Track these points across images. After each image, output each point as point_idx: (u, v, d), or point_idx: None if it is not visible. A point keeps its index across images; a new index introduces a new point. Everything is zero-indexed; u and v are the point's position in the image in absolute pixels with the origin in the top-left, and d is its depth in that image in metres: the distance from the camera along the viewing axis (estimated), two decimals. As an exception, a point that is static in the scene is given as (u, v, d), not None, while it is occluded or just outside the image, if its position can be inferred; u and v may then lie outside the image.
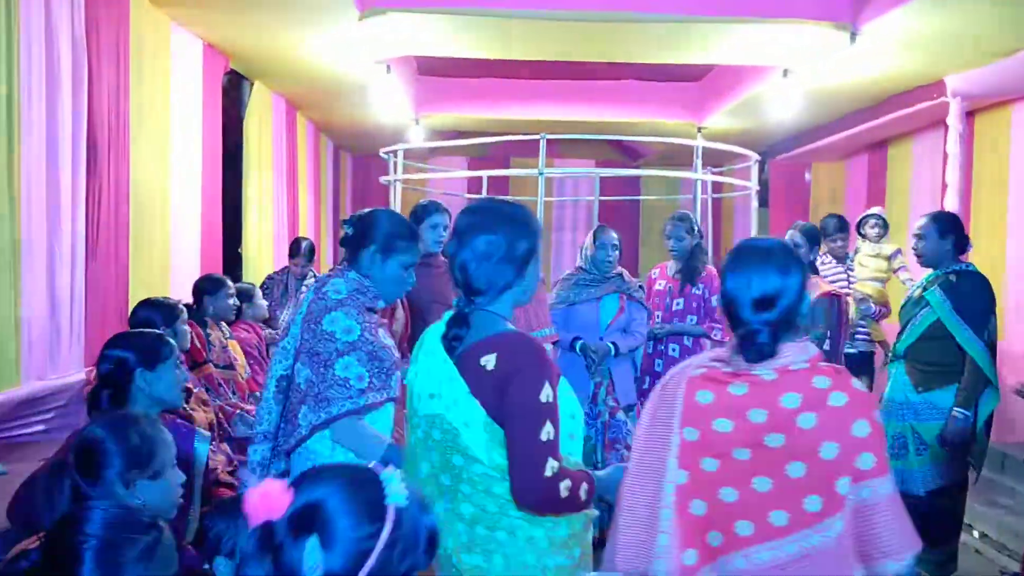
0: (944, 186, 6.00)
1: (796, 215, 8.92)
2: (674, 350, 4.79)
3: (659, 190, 9.88)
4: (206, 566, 2.12)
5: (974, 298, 3.67)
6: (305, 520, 1.19)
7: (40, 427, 3.55)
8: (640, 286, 4.65)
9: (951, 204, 5.75)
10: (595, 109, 8.01)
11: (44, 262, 3.56)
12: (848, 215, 8.89)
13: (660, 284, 4.79)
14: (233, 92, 6.11)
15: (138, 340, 2.53)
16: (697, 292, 4.77)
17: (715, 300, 4.87)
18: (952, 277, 3.72)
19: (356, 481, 1.24)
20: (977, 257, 4.36)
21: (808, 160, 9.38)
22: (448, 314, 1.91)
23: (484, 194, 7.15)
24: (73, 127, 3.76)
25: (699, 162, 6.06)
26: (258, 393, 4.48)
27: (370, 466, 1.29)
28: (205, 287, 4.39)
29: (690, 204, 5.83)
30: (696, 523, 1.75)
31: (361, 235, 2.49)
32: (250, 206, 6.53)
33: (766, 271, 1.78)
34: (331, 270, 2.57)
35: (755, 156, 6.06)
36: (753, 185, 6.17)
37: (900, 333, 3.90)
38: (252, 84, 6.42)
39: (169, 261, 4.95)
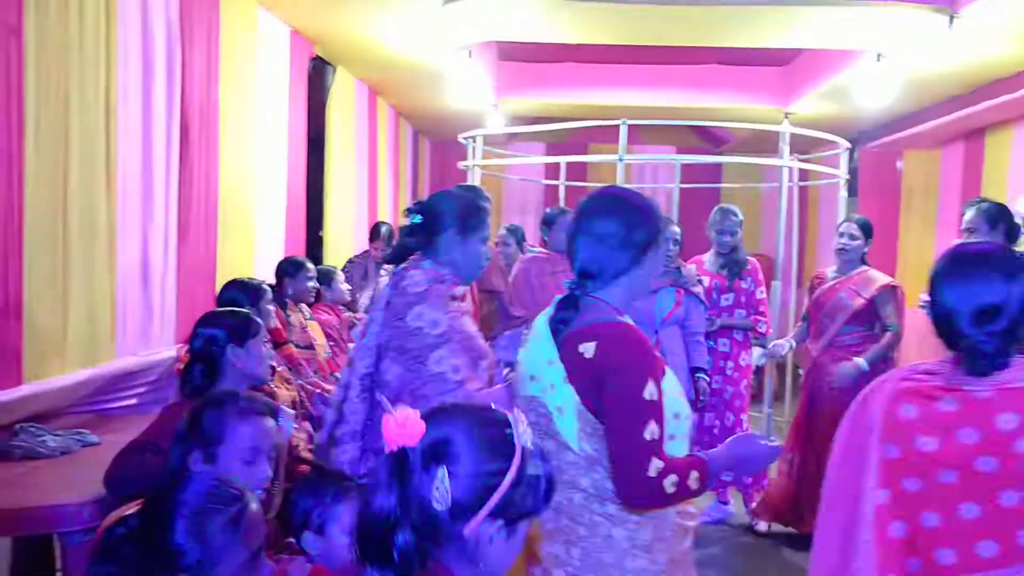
0: (1046, 176, 5.71)
1: (886, 205, 8.63)
2: (725, 344, 4.74)
3: (741, 178, 9.67)
4: (290, 540, 2.19)
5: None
6: (436, 451, 1.22)
7: (132, 400, 3.70)
8: (699, 279, 4.55)
9: (1054, 195, 5.46)
10: (677, 94, 7.88)
11: (138, 244, 3.70)
12: (941, 205, 8.57)
13: (704, 280, 4.67)
14: (317, 78, 6.22)
15: (229, 318, 2.63)
16: (745, 286, 4.72)
17: (759, 293, 4.79)
18: None
19: (485, 420, 1.28)
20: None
21: (901, 148, 9.02)
22: (559, 297, 1.91)
23: (562, 180, 7.14)
24: (167, 114, 3.88)
25: (786, 148, 5.90)
26: (337, 374, 4.59)
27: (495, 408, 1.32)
28: (286, 269, 4.51)
29: (774, 192, 5.68)
30: (896, 546, 1.64)
31: (434, 221, 2.46)
32: (332, 190, 6.65)
33: (990, 279, 1.64)
34: (406, 263, 2.52)
35: (844, 143, 5.87)
36: (842, 173, 5.98)
37: None
38: (335, 70, 6.52)
39: (254, 244, 5.09)
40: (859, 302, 4.33)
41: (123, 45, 3.49)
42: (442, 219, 2.45)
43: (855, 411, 1.74)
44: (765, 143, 7.95)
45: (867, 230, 4.48)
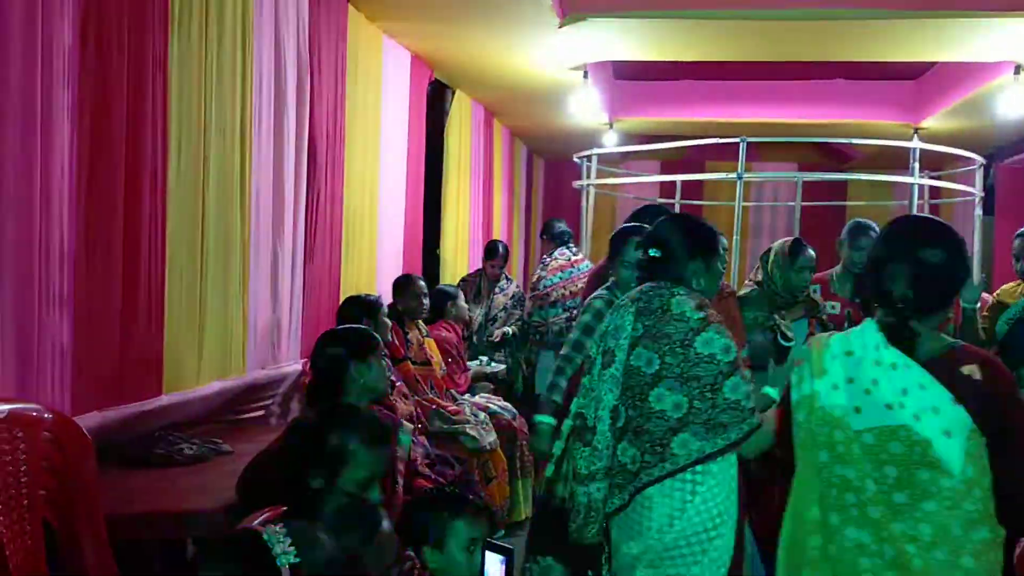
0: None
1: (1026, 224, 8.10)
2: None
3: (869, 195, 9.29)
4: (409, 553, 2.23)
5: None
6: None
7: (260, 412, 3.86)
8: (833, 305, 4.06)
9: None
10: (799, 109, 7.65)
11: (268, 263, 3.87)
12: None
13: (833, 307, 4.08)
14: (436, 100, 6.38)
15: (349, 335, 2.72)
16: None
17: None
18: None
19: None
20: None
21: (1042, 163, 8.48)
22: (869, 323, 1.90)
23: (678, 198, 7.05)
24: (296, 140, 4.06)
25: (916, 165, 5.64)
26: (454, 391, 4.67)
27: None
28: (397, 286, 4.64)
29: (903, 211, 5.43)
30: None
31: (678, 253, 2.40)
32: (448, 209, 6.78)
33: None
34: (648, 287, 2.39)
35: (979, 159, 5.57)
36: (977, 191, 5.67)
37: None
38: (453, 92, 6.67)
39: (376, 262, 5.25)
40: None
41: (257, 73, 3.68)
42: (688, 252, 2.41)
43: None
44: (895, 159, 7.62)
45: None
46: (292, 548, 1.50)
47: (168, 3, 3.02)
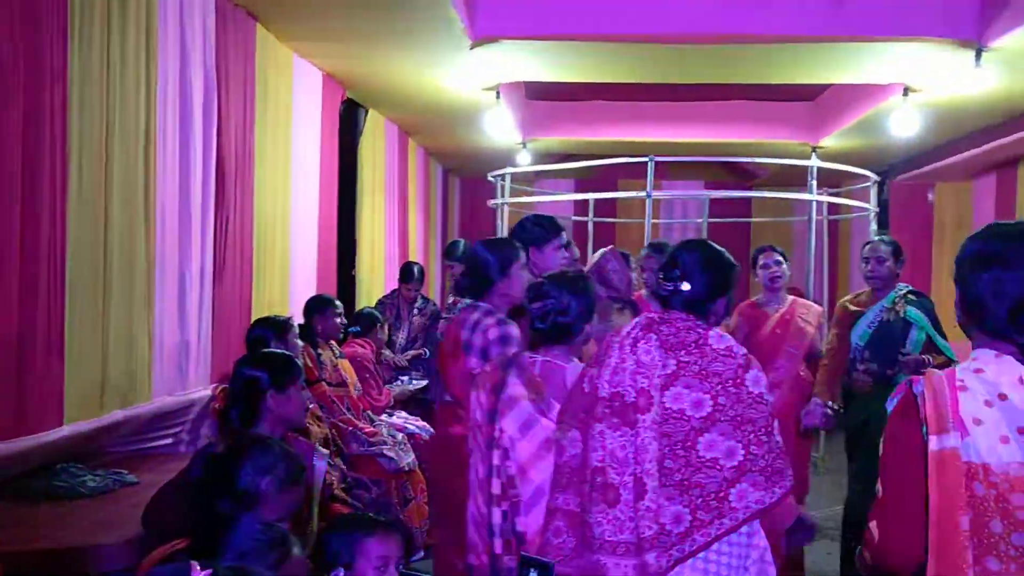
0: (1082, 207, 5.64)
1: (918, 238, 8.54)
2: None
3: (772, 212, 9.64)
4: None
5: (934, 313, 4.08)
6: None
7: (168, 440, 3.74)
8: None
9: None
10: (704, 130, 7.91)
11: (175, 286, 3.77)
12: (975, 237, 8.45)
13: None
14: (349, 120, 6.34)
15: (270, 360, 2.59)
16: None
17: None
18: (911, 296, 4.10)
19: None
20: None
21: (932, 180, 8.96)
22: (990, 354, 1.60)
23: (591, 216, 7.17)
24: (203, 158, 3.97)
25: (814, 183, 5.90)
26: (370, 412, 4.62)
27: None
28: (314, 307, 4.57)
29: (804, 226, 5.67)
30: None
31: (700, 283, 2.19)
32: (363, 230, 6.73)
33: None
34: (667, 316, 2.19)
35: (874, 176, 5.86)
36: (872, 207, 5.96)
37: (874, 355, 4.03)
38: (367, 112, 6.64)
39: (288, 283, 5.16)
40: None
41: (162, 90, 3.59)
42: (706, 283, 2.19)
43: None
44: (796, 177, 7.93)
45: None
46: None
47: (67, 12, 2.91)
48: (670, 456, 1.95)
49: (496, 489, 2.31)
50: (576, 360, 2.45)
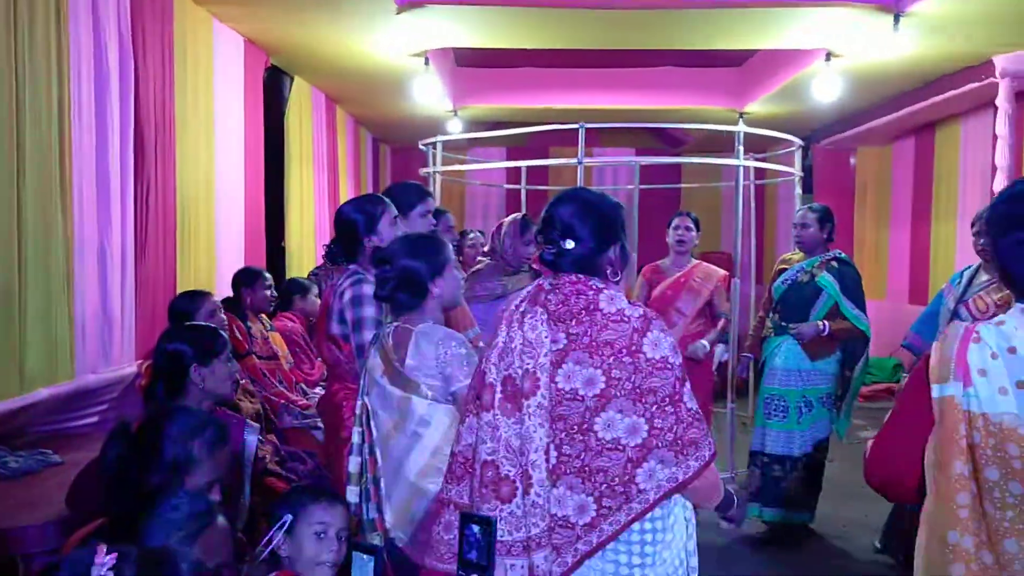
0: (994, 168, 5.87)
1: (841, 200, 8.79)
2: None
3: (700, 178, 9.79)
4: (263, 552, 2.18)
5: (856, 281, 4.31)
6: None
7: (94, 419, 3.65)
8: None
9: (1001, 186, 5.62)
10: (634, 96, 7.96)
11: (95, 260, 3.65)
12: (894, 199, 8.75)
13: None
14: (274, 87, 6.19)
15: (193, 334, 2.56)
16: None
17: None
18: (834, 263, 4.34)
19: None
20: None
21: (853, 145, 9.21)
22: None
23: (523, 184, 7.17)
24: (121, 127, 3.84)
25: (740, 148, 5.98)
26: (303, 385, 4.57)
27: None
28: (243, 280, 4.48)
29: (732, 191, 5.77)
30: None
31: (585, 235, 1.91)
32: (292, 201, 6.61)
33: None
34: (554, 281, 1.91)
35: (798, 141, 5.98)
36: (796, 171, 6.08)
37: (782, 310, 4.39)
38: (292, 79, 6.49)
39: (215, 256, 5.05)
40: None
41: (75, 57, 3.45)
42: (605, 234, 1.94)
43: None
44: (723, 143, 8.06)
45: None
46: None
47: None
48: (568, 442, 1.75)
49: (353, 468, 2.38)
50: (430, 321, 2.36)
